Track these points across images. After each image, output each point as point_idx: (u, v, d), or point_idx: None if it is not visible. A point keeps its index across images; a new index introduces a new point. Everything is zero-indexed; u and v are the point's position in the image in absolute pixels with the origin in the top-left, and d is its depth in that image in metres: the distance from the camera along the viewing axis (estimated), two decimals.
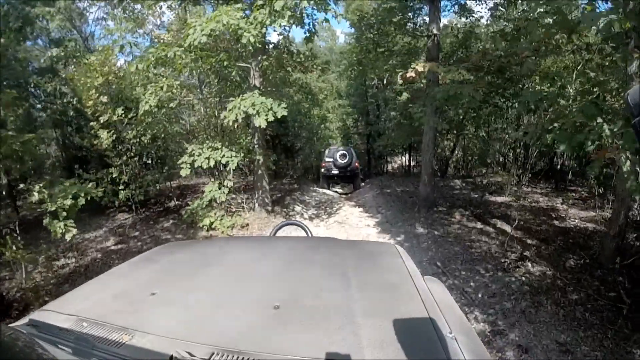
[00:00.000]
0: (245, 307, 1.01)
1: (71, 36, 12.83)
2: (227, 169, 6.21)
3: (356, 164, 12.14)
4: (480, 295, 4.35)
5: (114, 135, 8.27)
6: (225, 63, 6.20)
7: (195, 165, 6.40)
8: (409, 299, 1.01)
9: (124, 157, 8.49)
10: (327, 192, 12.16)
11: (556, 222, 6.98)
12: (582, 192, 9.44)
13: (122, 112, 8.29)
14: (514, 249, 5.36)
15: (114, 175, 8.65)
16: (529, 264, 4.99)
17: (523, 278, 4.69)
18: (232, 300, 1.07)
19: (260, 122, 5.02)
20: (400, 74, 4.89)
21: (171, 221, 8.23)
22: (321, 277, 1.21)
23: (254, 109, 5.02)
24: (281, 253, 1.54)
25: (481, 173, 12.89)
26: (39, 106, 11.41)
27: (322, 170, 12.25)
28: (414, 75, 4.64)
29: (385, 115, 16.86)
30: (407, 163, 16.49)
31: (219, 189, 6.43)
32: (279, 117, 5.14)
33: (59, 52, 11.09)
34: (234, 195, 9.17)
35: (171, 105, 7.34)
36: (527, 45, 4.17)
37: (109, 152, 8.82)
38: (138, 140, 8.60)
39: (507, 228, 6.35)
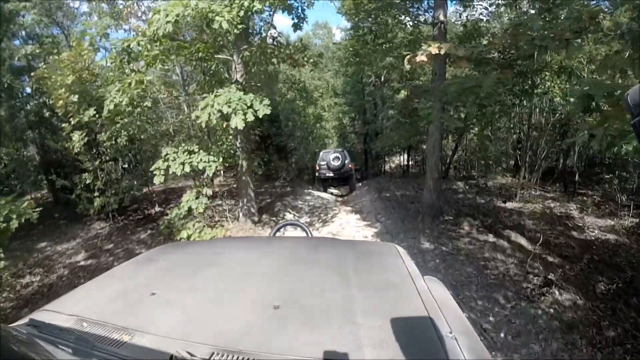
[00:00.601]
0: (245, 307, 0.97)
1: (51, 32, 11.90)
2: (205, 175, 5.33)
3: (350, 166, 11.78)
4: (502, 335, 3.51)
5: (86, 138, 7.37)
6: (200, 54, 5.30)
7: (170, 172, 5.53)
8: (409, 298, 0.98)
9: (97, 162, 7.59)
10: (322, 195, 11.31)
11: (575, 234, 6.16)
12: (595, 197, 8.60)
13: (95, 112, 7.37)
14: (536, 270, 4.53)
15: (87, 181, 7.79)
16: (556, 291, 4.16)
17: (551, 310, 3.86)
18: (232, 300, 1.03)
19: (237, 122, 4.14)
20: (408, 57, 4.00)
21: (149, 231, 7.36)
22: (321, 277, 1.16)
23: (229, 107, 4.13)
24: (281, 253, 1.49)
25: (483, 174, 12.09)
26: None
27: (317, 173, 11.96)
28: (424, 59, 3.77)
29: (383, 114, 15.97)
30: (406, 163, 15.64)
31: (197, 197, 5.56)
32: (260, 115, 4.27)
33: (34, 49, 10.13)
34: (219, 202, 8.31)
35: (146, 104, 6.44)
36: (567, 25, 3.33)
37: (83, 155, 7.95)
38: (114, 142, 7.68)
39: (523, 241, 5.53)
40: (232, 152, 5.61)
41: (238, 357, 0.75)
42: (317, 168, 12.00)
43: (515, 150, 10.31)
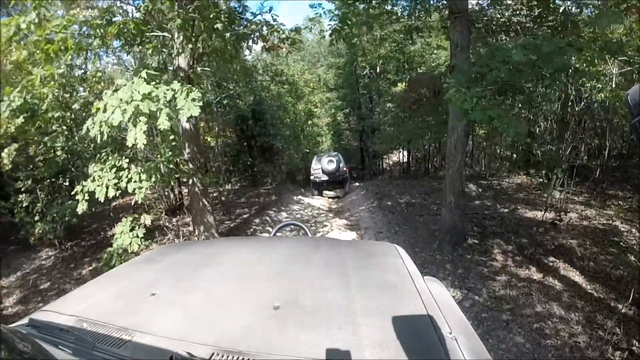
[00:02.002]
0: (245, 307, 0.94)
1: None
2: (134, 201, 3.76)
3: (344, 169, 11.45)
4: None
5: (14, 153, 5.75)
6: (129, 34, 3.66)
7: (96, 196, 3.96)
8: (409, 299, 0.94)
9: (29, 180, 6.00)
10: (313, 203, 9.76)
11: (632, 258, 4.60)
12: (629, 199, 6.98)
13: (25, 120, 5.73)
14: (614, 337, 2.96)
15: (24, 204, 6.22)
16: None
17: None
18: (232, 300, 1.00)
19: (136, 136, 2.54)
20: None
21: (94, 264, 5.76)
22: (321, 277, 1.12)
23: (123, 110, 2.50)
24: (281, 253, 1.42)
25: (493, 172, 10.53)
26: None
27: (312, 177, 11.59)
28: None
29: (380, 107, 14.29)
30: (406, 160, 13.95)
31: (131, 230, 3.99)
32: (184, 118, 2.68)
33: None
34: (186, 220, 6.72)
35: (74, 106, 4.83)
36: None
37: (21, 172, 6.37)
38: (52, 156, 6.10)
39: (576, 276, 3.98)
40: (173, 167, 3.93)
41: (238, 358, 0.72)
42: (312, 172, 11.61)
43: (536, 146, 8.64)
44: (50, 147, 5.90)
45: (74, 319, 0.92)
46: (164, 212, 6.62)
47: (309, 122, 14.51)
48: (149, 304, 0.98)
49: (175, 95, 2.64)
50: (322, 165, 11.04)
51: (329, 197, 11.41)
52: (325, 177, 11.15)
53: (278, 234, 2.25)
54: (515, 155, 11.49)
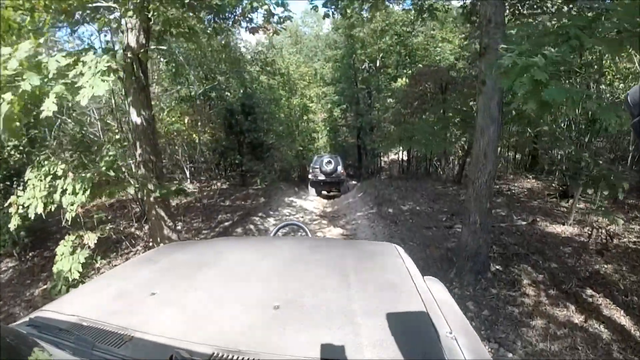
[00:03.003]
0: (245, 307, 0.91)
1: None
2: (65, 220, 2.90)
3: (342, 172, 11.34)
4: None
5: None
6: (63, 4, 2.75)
7: (29, 212, 3.09)
8: (409, 298, 0.93)
9: None
10: (307, 206, 8.93)
11: None
12: None
13: None
14: None
15: None
16: None
17: None
18: (232, 300, 0.97)
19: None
20: None
21: (48, 283, 4.88)
22: (321, 277, 1.09)
23: None
24: (281, 253, 1.39)
25: (500, 174, 9.71)
26: None
27: (310, 175, 11.52)
28: None
29: (379, 103, 13.37)
30: (406, 159, 13.07)
31: (72, 253, 3.14)
32: (85, 101, 1.85)
33: None
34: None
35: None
36: None
37: None
38: (5, 156, 5.21)
39: (621, 317, 3.18)
40: (117, 174, 3.02)
41: (238, 357, 0.71)
42: (310, 170, 11.58)
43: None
44: (1, 146, 5.02)
45: (74, 319, 0.90)
46: (135, 219, 5.73)
47: (304, 117, 13.60)
48: (149, 303, 0.95)
49: (83, 71, 1.80)
50: (321, 166, 11.05)
51: (324, 197, 11.13)
52: (322, 177, 11.07)
53: (278, 233, 2.21)
54: (521, 157, 10.71)
